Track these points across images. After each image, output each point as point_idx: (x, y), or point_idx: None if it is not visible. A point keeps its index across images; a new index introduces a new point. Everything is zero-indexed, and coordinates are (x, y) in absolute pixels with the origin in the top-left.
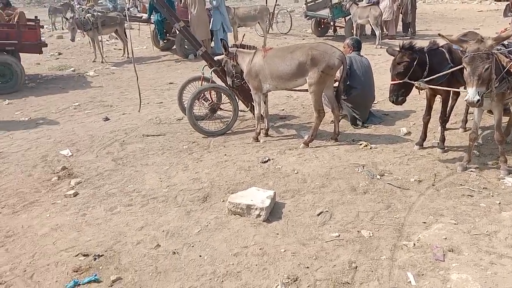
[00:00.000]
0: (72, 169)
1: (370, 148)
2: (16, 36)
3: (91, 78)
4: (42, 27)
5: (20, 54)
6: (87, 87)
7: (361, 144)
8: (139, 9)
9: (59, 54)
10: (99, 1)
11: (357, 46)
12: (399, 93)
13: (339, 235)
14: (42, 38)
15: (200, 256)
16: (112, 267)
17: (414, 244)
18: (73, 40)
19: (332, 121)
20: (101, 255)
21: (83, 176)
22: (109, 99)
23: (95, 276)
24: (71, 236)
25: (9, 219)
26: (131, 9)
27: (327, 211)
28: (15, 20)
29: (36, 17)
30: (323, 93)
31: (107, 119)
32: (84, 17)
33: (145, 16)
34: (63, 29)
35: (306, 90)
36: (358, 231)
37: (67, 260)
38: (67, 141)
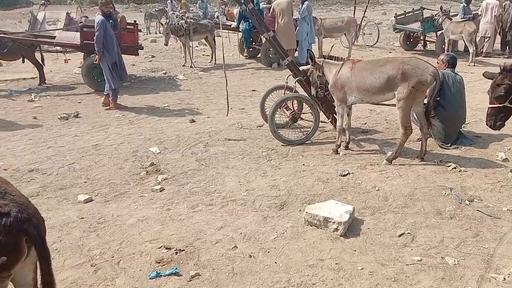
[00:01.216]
0: (159, 165)
1: (459, 171)
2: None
3: (180, 81)
4: (140, 30)
5: None
6: (176, 89)
7: (449, 166)
8: (227, 17)
9: (152, 57)
10: (190, 9)
11: (452, 63)
12: (498, 118)
13: (421, 259)
14: (139, 41)
15: (275, 262)
16: (192, 262)
17: (505, 279)
18: (166, 44)
19: (418, 139)
20: (182, 250)
21: (169, 173)
22: (195, 102)
23: (175, 269)
24: (155, 228)
25: (101, 207)
26: (220, 17)
27: (409, 233)
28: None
29: (135, 21)
30: (412, 110)
31: (193, 121)
32: (178, 23)
33: (234, 24)
34: (156, 33)
35: (393, 105)
36: (442, 257)
37: (151, 251)
38: (156, 139)
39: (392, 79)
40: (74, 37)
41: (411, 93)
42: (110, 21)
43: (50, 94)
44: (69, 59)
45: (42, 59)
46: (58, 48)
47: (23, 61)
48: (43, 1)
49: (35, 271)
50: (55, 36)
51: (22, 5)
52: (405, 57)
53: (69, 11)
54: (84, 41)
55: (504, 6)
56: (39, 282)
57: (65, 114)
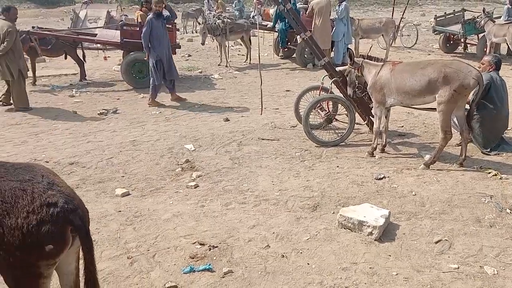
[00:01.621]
0: (194, 162)
1: (500, 178)
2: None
3: (215, 80)
4: (178, 30)
5: None
6: (211, 88)
7: (489, 173)
8: (263, 17)
9: (189, 56)
10: (227, 8)
11: (498, 65)
12: None
13: (458, 267)
14: (176, 40)
15: (308, 264)
16: (225, 259)
17: None
18: (203, 43)
19: (458, 143)
20: (216, 247)
21: (203, 170)
22: (230, 101)
23: (209, 265)
24: (190, 224)
25: (137, 201)
26: (255, 17)
27: (446, 240)
28: None
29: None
30: (453, 114)
31: (227, 119)
32: (215, 23)
33: (270, 24)
34: (193, 32)
35: (432, 109)
36: (480, 266)
37: (185, 246)
38: (191, 136)
39: (433, 82)
40: (114, 35)
41: (453, 97)
42: (163, 19)
43: (90, 90)
44: (108, 57)
45: (84, 56)
46: (98, 45)
47: (65, 58)
48: (85, 0)
49: (77, 261)
50: (96, 34)
51: (65, 3)
52: (447, 59)
53: (110, 10)
54: (124, 39)
55: None
56: (81, 272)
57: (104, 110)
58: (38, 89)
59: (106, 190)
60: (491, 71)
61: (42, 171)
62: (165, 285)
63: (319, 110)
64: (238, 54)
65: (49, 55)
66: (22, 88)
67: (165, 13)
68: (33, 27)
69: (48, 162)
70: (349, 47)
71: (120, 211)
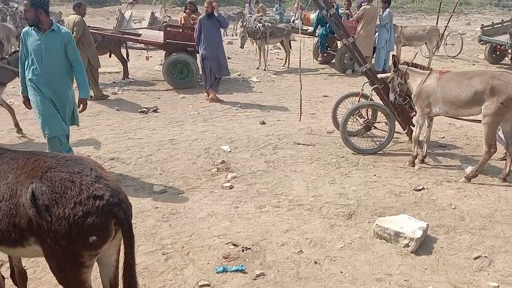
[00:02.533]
0: (229, 163)
1: None
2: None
3: (253, 83)
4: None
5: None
6: (249, 91)
7: None
8: (303, 21)
9: (228, 58)
10: (267, 12)
11: None
12: None
13: (498, 286)
14: None
15: (341, 272)
16: (258, 262)
17: None
18: (242, 47)
19: (502, 158)
20: (249, 248)
21: (238, 171)
22: (267, 105)
23: (242, 266)
24: (224, 224)
25: (174, 199)
26: (296, 21)
27: (486, 256)
28: None
29: None
30: (499, 127)
31: (263, 123)
32: (255, 27)
33: (310, 29)
34: (233, 35)
35: (477, 121)
36: None
37: (218, 246)
38: (227, 138)
39: (480, 94)
40: (158, 35)
41: (499, 110)
42: (215, 19)
43: (132, 88)
44: (151, 57)
45: (127, 55)
46: (141, 45)
47: (110, 56)
48: (130, 0)
49: (118, 253)
50: (140, 34)
51: (111, 3)
52: (496, 71)
53: (154, 11)
54: (167, 40)
55: None
56: (120, 264)
57: (145, 108)
58: None
59: (144, 186)
60: None
61: (91, 164)
62: (198, 283)
63: (357, 117)
64: (277, 58)
65: None
66: (90, 78)
67: (216, 13)
68: None
69: (90, 156)
70: (392, 54)
71: (157, 207)
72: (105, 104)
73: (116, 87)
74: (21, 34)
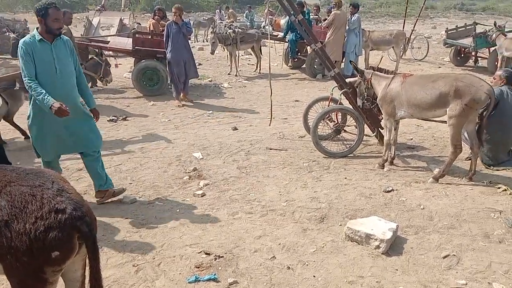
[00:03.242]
0: (201, 171)
1: (510, 194)
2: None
3: (225, 89)
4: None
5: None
6: (220, 97)
7: (499, 188)
8: (273, 27)
9: (199, 64)
10: (238, 18)
11: (509, 80)
12: None
13: (466, 283)
14: None
15: (314, 276)
16: (230, 270)
17: None
18: (212, 53)
19: (468, 158)
20: (221, 256)
21: (210, 179)
22: (238, 111)
23: (214, 275)
24: (196, 233)
25: (144, 209)
26: (266, 27)
27: (454, 255)
28: None
29: None
30: (463, 128)
31: (235, 128)
32: (226, 33)
33: (281, 34)
34: (203, 41)
35: (443, 122)
36: (489, 283)
37: (190, 255)
38: (199, 144)
39: (444, 96)
40: (127, 42)
41: (464, 111)
42: (181, 25)
43: (101, 96)
44: (119, 64)
45: None
46: (110, 52)
47: None
48: (98, 7)
49: (84, 268)
50: (109, 41)
51: (78, 10)
52: (459, 73)
53: (122, 18)
54: (136, 47)
55: None
56: (86, 279)
57: (114, 117)
58: None
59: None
60: (502, 85)
61: (52, 177)
62: None
63: (328, 121)
64: (248, 64)
65: None
66: None
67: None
68: None
69: None
70: (358, 59)
71: (127, 218)
72: None
73: None
74: (21, 46)
